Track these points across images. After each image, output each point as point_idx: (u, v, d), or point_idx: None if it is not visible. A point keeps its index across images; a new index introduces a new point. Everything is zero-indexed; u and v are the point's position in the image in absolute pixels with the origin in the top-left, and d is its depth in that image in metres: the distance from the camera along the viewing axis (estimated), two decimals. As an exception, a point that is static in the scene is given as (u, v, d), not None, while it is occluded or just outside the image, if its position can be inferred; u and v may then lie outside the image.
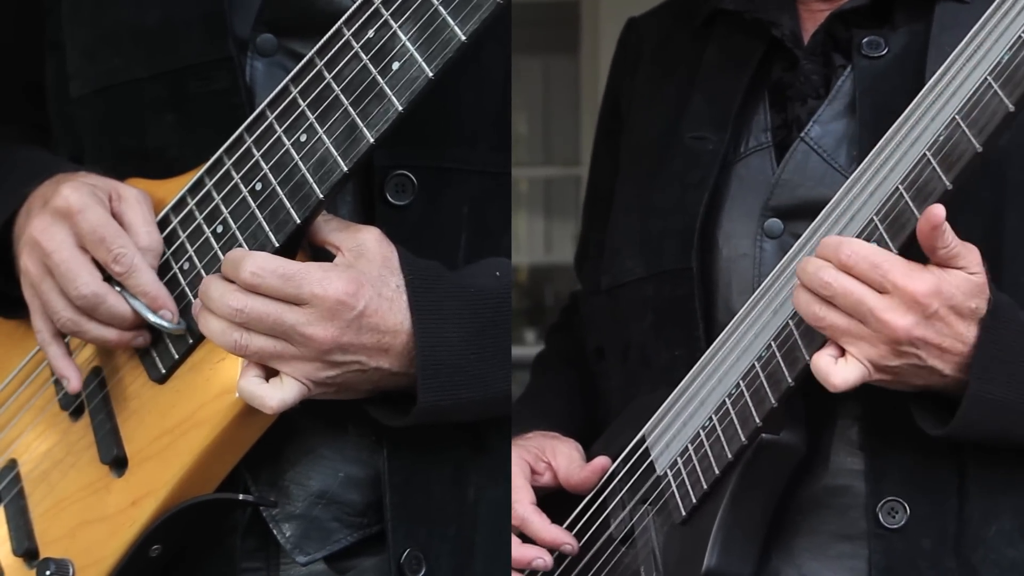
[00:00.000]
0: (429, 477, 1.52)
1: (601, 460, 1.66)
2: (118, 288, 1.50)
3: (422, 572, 1.50)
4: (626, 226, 1.72)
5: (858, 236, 1.47)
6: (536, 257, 5.59)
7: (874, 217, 1.47)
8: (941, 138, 1.43)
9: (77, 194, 1.50)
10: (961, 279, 1.44)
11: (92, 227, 1.49)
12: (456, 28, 1.41)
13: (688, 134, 1.67)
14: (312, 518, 1.54)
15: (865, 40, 1.59)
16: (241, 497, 1.51)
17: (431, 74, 1.42)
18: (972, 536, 1.52)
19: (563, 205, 5.66)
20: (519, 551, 1.63)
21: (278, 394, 1.44)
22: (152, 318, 1.50)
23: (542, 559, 1.64)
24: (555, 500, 1.67)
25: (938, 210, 1.42)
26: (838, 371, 1.46)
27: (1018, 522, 1.52)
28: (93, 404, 1.55)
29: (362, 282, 1.44)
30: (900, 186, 1.45)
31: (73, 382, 1.53)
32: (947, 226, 1.43)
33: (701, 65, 1.70)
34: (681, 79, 1.72)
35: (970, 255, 1.45)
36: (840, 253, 1.45)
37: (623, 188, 1.75)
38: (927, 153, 1.44)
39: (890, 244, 1.45)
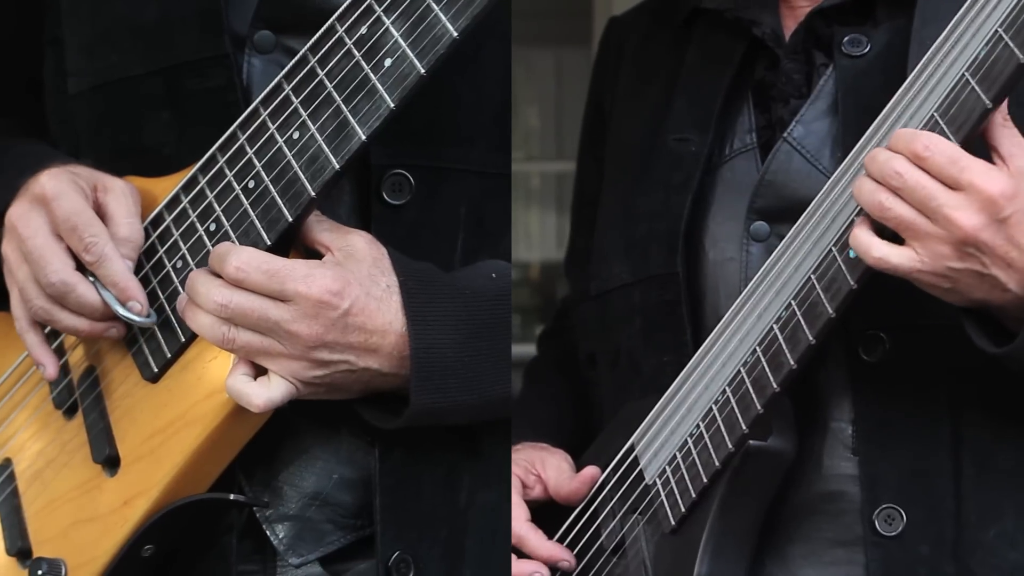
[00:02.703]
0: (421, 480, 1.51)
1: (590, 470, 1.65)
2: (91, 278, 1.50)
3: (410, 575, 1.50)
4: (612, 231, 1.70)
5: (839, 238, 1.45)
6: (548, 253, 5.53)
7: (855, 218, 1.45)
8: None
9: (54, 181, 1.50)
10: None
11: (66, 215, 1.49)
12: (448, 24, 1.40)
13: (671, 136, 1.66)
14: (306, 519, 1.54)
15: (846, 39, 1.57)
16: (232, 497, 1.51)
17: (423, 70, 1.41)
18: (970, 540, 1.50)
19: (576, 201, 5.61)
20: (517, 566, 1.62)
21: (265, 392, 1.44)
22: (120, 310, 1.49)
23: (540, 573, 1.62)
24: (546, 512, 1.66)
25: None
26: (886, 249, 1.40)
27: (1021, 522, 1.51)
28: (86, 403, 1.55)
29: (348, 280, 1.43)
30: None
31: (49, 369, 1.53)
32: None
33: (683, 66, 1.69)
34: (663, 80, 1.70)
35: None
36: (916, 144, 1.39)
37: (608, 192, 1.74)
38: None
39: None
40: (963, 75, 1.39)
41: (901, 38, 1.54)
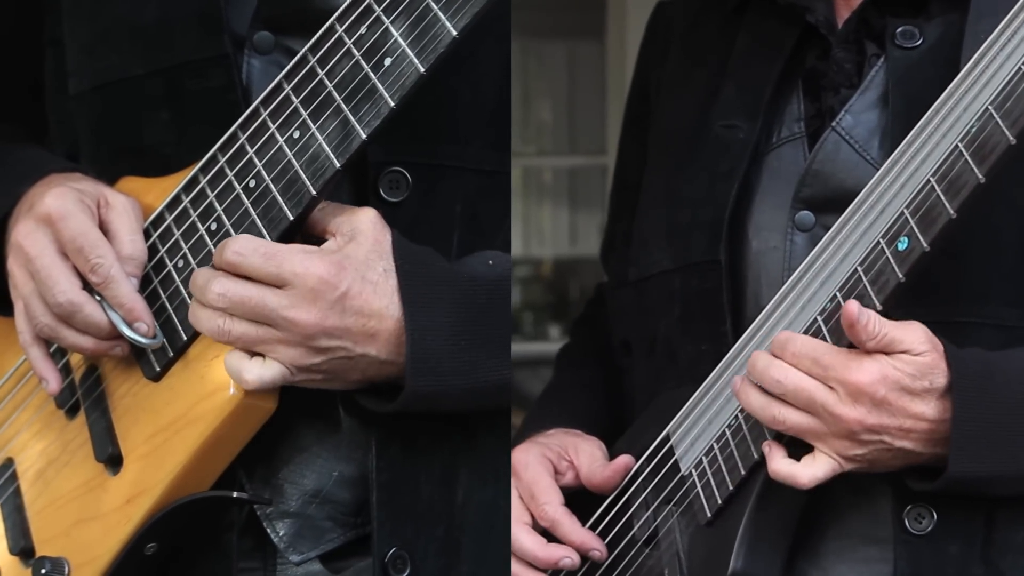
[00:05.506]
0: (417, 476, 1.51)
1: (624, 459, 1.64)
2: (98, 298, 1.50)
3: (407, 572, 1.50)
4: (654, 217, 1.69)
5: (888, 230, 1.45)
6: (561, 250, 5.51)
7: (904, 210, 1.45)
8: (974, 129, 1.41)
9: (60, 201, 1.51)
10: (906, 361, 1.44)
11: (72, 236, 1.50)
12: (448, 23, 1.41)
13: (719, 123, 1.65)
14: (306, 517, 1.54)
15: (899, 30, 1.57)
16: (235, 495, 1.51)
17: (423, 70, 1.42)
18: (1000, 541, 1.50)
19: (589, 196, 5.55)
20: (546, 550, 1.62)
21: (256, 369, 1.44)
22: (127, 331, 1.50)
23: (570, 558, 1.62)
24: (577, 500, 1.65)
25: (851, 307, 1.43)
26: (804, 470, 1.47)
27: None
28: (88, 402, 1.55)
29: (343, 265, 1.44)
30: (931, 179, 1.43)
31: (52, 384, 1.54)
32: (872, 315, 1.43)
33: (732, 52, 1.68)
34: (711, 66, 1.69)
35: (909, 335, 1.45)
36: (786, 351, 1.47)
37: (651, 178, 1.73)
38: (959, 145, 1.42)
39: (921, 239, 1.43)
40: (1020, 68, 1.39)
41: (954, 32, 1.54)
